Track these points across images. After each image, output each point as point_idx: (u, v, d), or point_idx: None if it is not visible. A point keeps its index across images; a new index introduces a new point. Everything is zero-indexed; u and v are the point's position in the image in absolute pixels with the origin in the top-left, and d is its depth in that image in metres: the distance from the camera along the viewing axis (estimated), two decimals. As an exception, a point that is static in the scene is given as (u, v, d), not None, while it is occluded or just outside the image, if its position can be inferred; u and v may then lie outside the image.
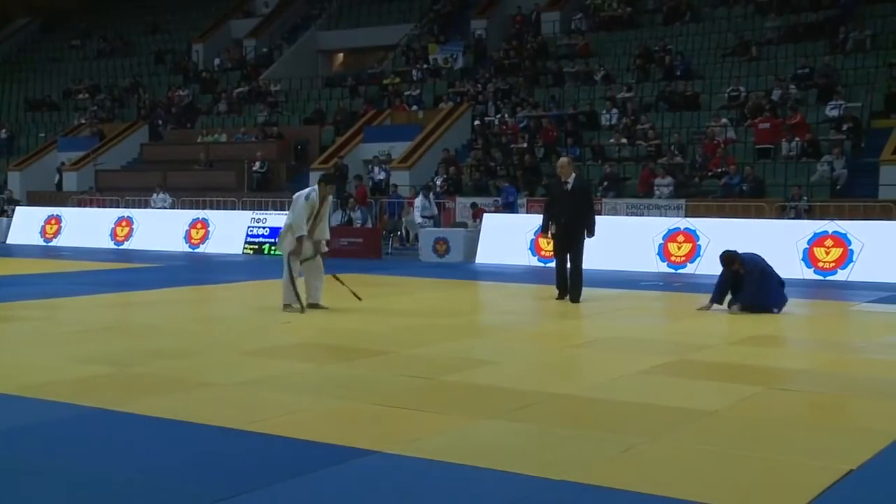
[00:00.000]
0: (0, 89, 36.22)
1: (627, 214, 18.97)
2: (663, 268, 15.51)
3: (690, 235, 15.57)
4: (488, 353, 7.70)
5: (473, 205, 20.41)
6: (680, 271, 15.33)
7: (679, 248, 15.60)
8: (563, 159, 11.66)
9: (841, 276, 14.18)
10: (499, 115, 24.84)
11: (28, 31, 40.66)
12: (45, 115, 33.19)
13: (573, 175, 10.98)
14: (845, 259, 14.28)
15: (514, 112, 24.67)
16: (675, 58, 24.76)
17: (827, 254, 14.41)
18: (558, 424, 5.36)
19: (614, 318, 10.00)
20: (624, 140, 22.40)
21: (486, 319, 10.76)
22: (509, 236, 16.86)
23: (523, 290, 12.79)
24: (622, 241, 15.87)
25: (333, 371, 6.90)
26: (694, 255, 15.43)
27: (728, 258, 10.07)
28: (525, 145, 23.01)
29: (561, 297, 11.07)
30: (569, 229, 10.79)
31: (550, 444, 4.94)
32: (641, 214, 18.89)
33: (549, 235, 11.22)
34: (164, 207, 22.79)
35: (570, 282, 10.95)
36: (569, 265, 11.00)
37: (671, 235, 15.72)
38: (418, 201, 18.91)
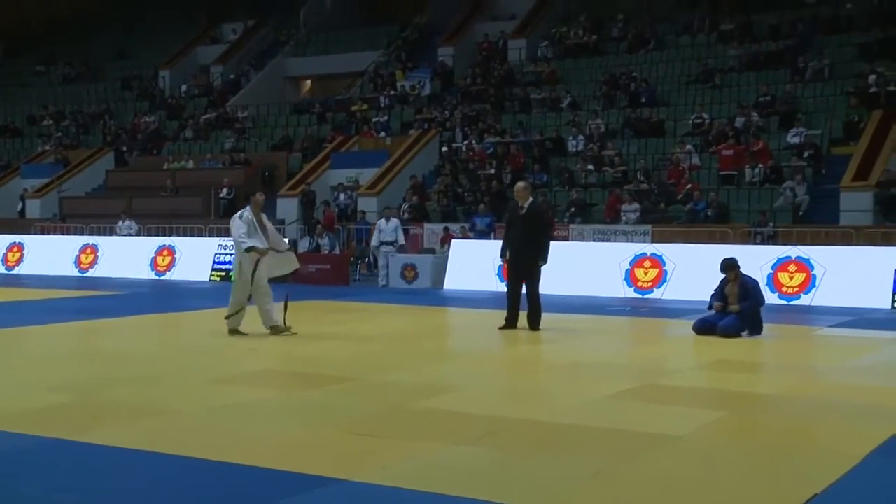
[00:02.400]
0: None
1: (594, 240, 19.08)
2: (630, 293, 15.59)
3: (657, 261, 15.69)
4: (454, 379, 7.67)
5: (446, 228, 20.43)
6: (647, 296, 15.42)
7: (646, 274, 15.71)
8: (520, 184, 11.47)
9: (804, 300, 14.35)
10: (466, 142, 24.95)
11: (-8, 56, 40.32)
12: (8, 142, 32.79)
13: (529, 200, 10.94)
14: (808, 284, 14.46)
15: (481, 138, 24.80)
16: (640, 85, 25.07)
17: (790, 279, 14.59)
18: (525, 450, 5.34)
19: (581, 343, 10.01)
20: (590, 166, 22.57)
21: (453, 345, 10.73)
22: (477, 262, 16.89)
23: (490, 316, 12.78)
24: (589, 266, 15.95)
25: (299, 398, 6.84)
26: (661, 280, 15.54)
27: (730, 263, 10.26)
28: (493, 171, 23.11)
29: (508, 325, 10.68)
30: (521, 254, 10.66)
31: (518, 469, 4.92)
32: (608, 240, 19.01)
33: (504, 261, 11.13)
34: (130, 234, 22.58)
35: (528, 309, 10.74)
36: (524, 291, 10.77)
37: (638, 261, 15.83)
38: (380, 224, 18.88)
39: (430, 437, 5.58)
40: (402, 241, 18.50)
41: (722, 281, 10.40)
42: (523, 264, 10.70)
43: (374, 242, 18.83)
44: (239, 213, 10.48)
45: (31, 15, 40.37)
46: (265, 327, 10.13)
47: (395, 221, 18.64)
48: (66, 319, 11.80)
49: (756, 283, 10.52)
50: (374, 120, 27.32)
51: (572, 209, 20.78)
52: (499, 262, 11.16)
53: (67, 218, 25.66)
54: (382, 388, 7.17)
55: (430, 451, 5.27)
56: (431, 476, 4.74)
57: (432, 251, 19.42)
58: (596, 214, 20.92)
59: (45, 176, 28.84)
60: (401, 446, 5.39)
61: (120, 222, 23.02)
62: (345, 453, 5.23)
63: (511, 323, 10.77)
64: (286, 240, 10.36)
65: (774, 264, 14.73)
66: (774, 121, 22.36)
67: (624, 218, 20.07)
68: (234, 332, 10.14)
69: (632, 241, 18.26)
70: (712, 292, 10.48)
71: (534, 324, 10.72)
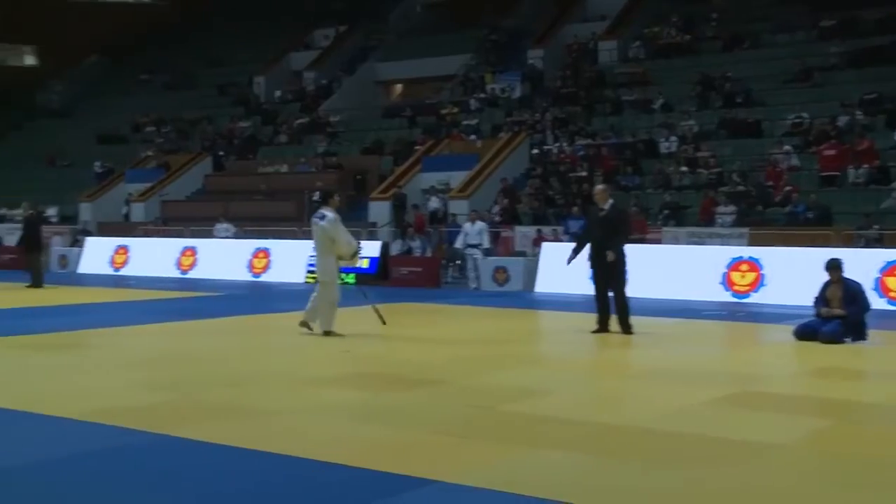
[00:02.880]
0: (75, 124, 37.41)
1: (688, 243, 18.72)
2: (726, 297, 15.25)
3: (754, 264, 15.31)
4: (545, 383, 7.64)
5: (539, 231, 20.32)
6: (744, 300, 15.06)
7: (743, 277, 15.35)
8: (599, 186, 11.57)
9: (914, 305, 13.78)
10: (557, 144, 24.80)
11: (99, 68, 42.05)
12: (114, 149, 34.10)
13: (609, 202, 10.86)
14: (918, 288, 13.88)
15: (572, 141, 24.62)
16: (736, 85, 24.49)
17: (900, 282, 14.02)
18: (616, 456, 5.28)
19: (674, 348, 9.84)
20: (684, 168, 22.17)
21: (544, 348, 10.69)
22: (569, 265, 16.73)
23: (582, 320, 12.67)
24: (683, 269, 15.66)
25: (390, 400, 6.91)
26: (758, 284, 15.15)
27: (836, 264, 9.98)
28: (584, 174, 22.92)
29: (601, 328, 10.64)
30: (602, 257, 10.59)
31: (609, 476, 4.87)
32: (702, 243, 18.63)
33: (568, 264, 11.07)
34: (227, 237, 23.17)
35: (616, 311, 10.63)
36: (612, 294, 10.67)
37: (734, 264, 15.48)
38: (466, 226, 18.91)
39: (521, 441, 5.57)
40: (487, 244, 18.47)
41: (824, 283, 10.08)
42: (605, 267, 10.62)
43: (458, 244, 18.88)
44: (327, 213, 10.53)
45: (130, 28, 42.02)
46: (321, 329, 10.39)
47: (480, 224, 18.64)
48: (167, 320, 12.21)
49: (860, 286, 10.15)
50: (463, 123, 27.39)
51: (665, 212, 20.45)
52: (571, 261, 11.08)
53: (168, 221, 26.53)
54: (473, 392, 7.19)
55: (521, 454, 5.26)
56: (523, 480, 4.74)
57: (524, 254, 19.35)
58: (690, 217, 20.52)
59: (148, 181, 29.88)
60: (492, 449, 5.39)
61: (218, 225, 23.66)
62: (437, 455, 5.27)
63: (603, 326, 10.69)
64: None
65: (882, 268, 14.18)
66: (880, 120, 21.54)
67: (719, 221, 19.64)
68: (328, 333, 10.34)
69: (727, 245, 17.85)
70: (815, 296, 10.16)
71: (625, 326, 10.61)
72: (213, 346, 10.02)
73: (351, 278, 19.16)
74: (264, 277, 20.13)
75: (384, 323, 10.68)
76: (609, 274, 10.60)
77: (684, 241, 18.86)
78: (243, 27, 38.64)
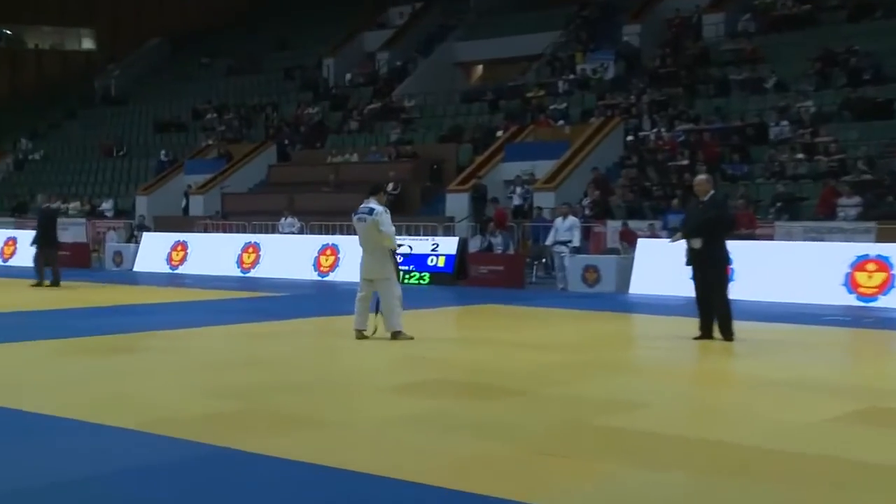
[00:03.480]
0: (133, 110, 38.48)
1: (805, 239, 18.27)
2: (850, 300, 14.83)
3: (884, 264, 14.87)
4: (641, 395, 7.54)
5: (624, 224, 20.14)
6: (870, 304, 14.63)
7: (870, 279, 14.92)
8: (700, 176, 11.48)
9: None
10: (654, 130, 24.49)
11: (160, 52, 43.19)
12: (174, 137, 34.93)
13: (710, 193, 10.74)
14: None
15: (671, 126, 24.28)
16: (863, 60, 23.79)
17: None
18: (723, 477, 5.18)
19: (790, 357, 9.62)
20: (800, 155, 21.65)
21: (638, 356, 10.57)
22: (667, 263, 16.51)
23: (682, 324, 12.49)
24: (799, 269, 15.30)
25: (472, 411, 6.91)
26: (888, 286, 14.72)
27: None
28: (685, 162, 22.57)
29: (703, 336, 10.48)
30: (701, 251, 10.45)
31: (715, 498, 4.77)
32: (821, 239, 18.16)
33: (672, 241, 11.00)
34: (292, 233, 23.51)
35: (716, 316, 10.48)
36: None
37: (860, 263, 15.07)
38: (557, 221, 18.81)
39: (617, 459, 5.50)
40: (577, 241, 18.35)
41: None
42: (706, 262, 10.46)
43: (548, 241, 18.82)
44: (377, 205, 10.70)
45: (194, 10, 43.04)
46: (386, 330, 10.49)
47: (571, 220, 18.53)
48: (227, 321, 12.44)
49: None
50: (551, 107, 27.26)
51: (778, 204, 20.01)
52: (675, 240, 10.93)
53: (229, 215, 27.05)
54: (562, 403, 7.15)
55: (617, 474, 5.20)
56: (617, 501, 4.67)
57: (616, 251, 19.16)
58: (806, 210, 20.03)
59: (208, 172, 30.49)
60: (584, 468, 5.34)
61: (282, 220, 24.03)
62: (525, 473, 5.24)
63: (706, 332, 10.55)
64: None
65: None
66: None
67: (841, 214, 19.13)
68: (397, 334, 10.44)
69: (852, 241, 17.36)
70: None
71: (726, 333, 10.45)
72: (278, 350, 10.17)
73: (426, 278, 19.33)
74: (332, 276, 20.37)
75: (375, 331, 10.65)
76: (710, 275, 10.45)
77: (800, 238, 18.42)
78: (312, 5, 39.16)
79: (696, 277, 10.66)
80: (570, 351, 10.02)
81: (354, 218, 10.89)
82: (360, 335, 10.53)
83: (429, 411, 6.85)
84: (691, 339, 10.52)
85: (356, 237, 10.94)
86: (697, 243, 10.41)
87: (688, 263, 10.74)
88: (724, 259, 10.54)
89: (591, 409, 6.87)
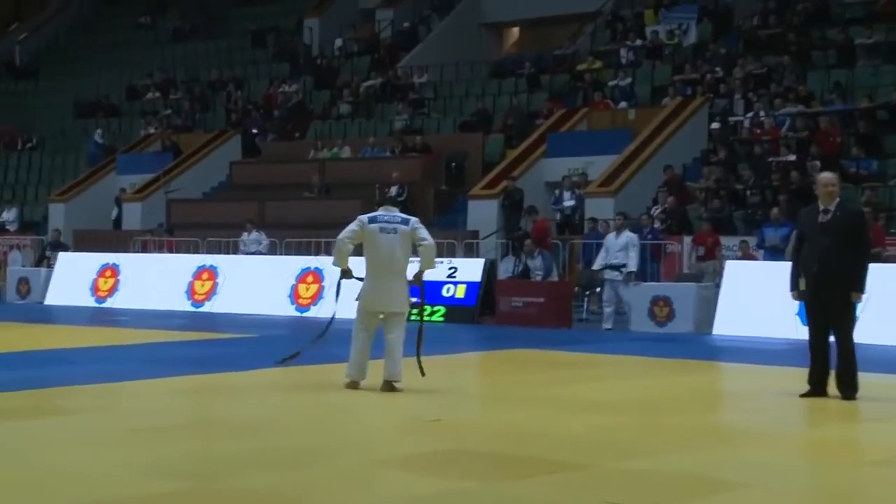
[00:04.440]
0: (46, 87, 38.39)
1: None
2: None
3: None
4: (737, 471, 7.56)
5: (743, 243, 19.93)
6: None
7: None
8: (826, 175, 11.23)
9: None
10: (750, 114, 24.53)
11: (82, 8, 43.05)
12: (102, 123, 34.85)
13: (836, 201, 10.63)
14: None
15: (773, 108, 24.32)
16: None
17: None
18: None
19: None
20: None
21: (731, 420, 10.59)
22: (767, 294, 16.50)
23: (787, 376, 12.46)
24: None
25: (506, 494, 6.92)
26: None
27: None
28: (792, 158, 22.60)
29: (814, 391, 10.54)
30: (825, 284, 10.41)
31: None
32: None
33: (798, 294, 10.78)
34: (260, 252, 23.54)
35: (838, 367, 10.51)
36: (832, 339, 10.54)
37: None
38: (608, 238, 18.83)
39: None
40: (633, 265, 18.30)
41: None
42: (831, 298, 10.44)
43: (597, 265, 18.87)
44: (408, 217, 11.25)
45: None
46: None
47: (628, 236, 18.55)
48: (175, 373, 12.45)
49: None
50: (610, 84, 27.35)
51: (917, 215, 20.05)
52: (792, 295, 10.89)
53: (177, 229, 27.06)
54: (629, 480, 7.17)
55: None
56: None
57: (697, 277, 19.16)
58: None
59: (149, 170, 30.47)
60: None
61: (245, 235, 24.04)
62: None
63: (818, 388, 10.59)
64: None
65: None
66: None
67: None
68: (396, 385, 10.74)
69: None
70: None
71: (847, 390, 10.46)
72: (241, 411, 10.19)
73: (440, 313, 19.33)
74: (314, 311, 20.40)
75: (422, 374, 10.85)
76: (835, 312, 10.45)
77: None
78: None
79: (811, 314, 10.67)
80: (637, 412, 10.03)
81: (373, 227, 10.90)
82: (354, 386, 10.70)
83: (447, 493, 6.86)
84: (799, 397, 10.53)
85: (354, 257, 11.03)
86: (858, 297, 10.38)
87: (799, 296, 10.73)
88: (856, 288, 10.51)
89: (672, 490, 6.89)
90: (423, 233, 10.94)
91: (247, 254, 23.52)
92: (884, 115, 23.09)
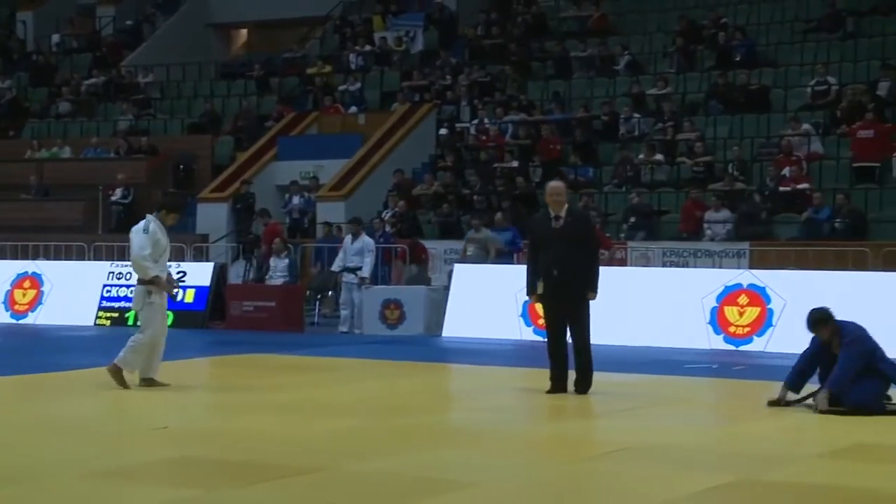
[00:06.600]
0: None
1: (665, 264, 19.10)
2: (718, 343, 15.59)
3: (758, 296, 15.66)
4: (464, 470, 7.68)
5: (413, 245, 20.30)
6: (742, 348, 15.42)
7: (741, 315, 15.69)
8: (554, 184, 11.75)
9: None
10: (476, 121, 25.03)
11: None
12: None
13: (565, 207, 11.05)
14: None
15: (497, 115, 24.89)
16: (734, 36, 25.13)
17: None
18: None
19: (645, 418, 10.03)
20: (659, 156, 22.62)
21: (459, 420, 10.74)
22: (492, 297, 16.91)
23: (512, 377, 12.80)
24: (657, 303, 15.94)
25: (233, 501, 6.85)
26: (763, 324, 15.52)
27: (817, 318, 10.16)
28: (515, 164, 23.18)
29: (555, 389, 10.92)
30: (562, 287, 10.80)
31: None
32: (685, 265, 19.03)
33: (534, 298, 11.19)
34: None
35: (576, 364, 10.93)
36: (570, 339, 10.96)
37: (729, 295, 15.82)
38: (346, 242, 18.93)
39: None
40: (367, 269, 18.39)
41: (811, 343, 10.28)
42: (569, 300, 10.82)
43: (335, 266, 18.91)
44: (143, 224, 11.20)
45: None
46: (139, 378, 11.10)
47: (364, 240, 18.64)
48: None
49: (857, 334, 10.07)
50: (340, 88, 27.42)
51: (632, 219, 20.80)
52: (526, 299, 11.24)
53: None
54: (360, 483, 7.20)
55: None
56: None
57: (425, 281, 19.46)
58: (667, 227, 20.95)
59: None
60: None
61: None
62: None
63: (559, 385, 10.94)
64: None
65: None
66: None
67: (709, 232, 20.09)
68: (148, 381, 10.95)
69: (721, 267, 18.27)
70: (791, 370, 10.38)
71: (582, 385, 10.88)
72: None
73: (168, 318, 18.90)
74: (32, 318, 19.73)
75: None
76: (571, 312, 10.84)
77: (658, 262, 19.22)
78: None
79: (550, 315, 11.01)
80: (372, 414, 10.07)
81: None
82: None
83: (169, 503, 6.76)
84: (540, 394, 10.87)
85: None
86: (593, 295, 10.81)
87: (537, 298, 11.05)
88: (589, 289, 10.92)
89: (402, 491, 6.95)
90: (132, 242, 11.27)
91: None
92: (598, 124, 23.94)
